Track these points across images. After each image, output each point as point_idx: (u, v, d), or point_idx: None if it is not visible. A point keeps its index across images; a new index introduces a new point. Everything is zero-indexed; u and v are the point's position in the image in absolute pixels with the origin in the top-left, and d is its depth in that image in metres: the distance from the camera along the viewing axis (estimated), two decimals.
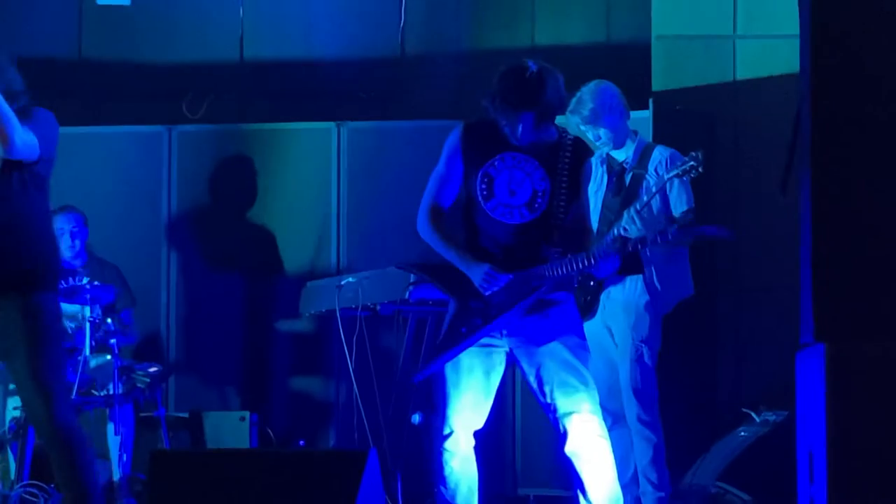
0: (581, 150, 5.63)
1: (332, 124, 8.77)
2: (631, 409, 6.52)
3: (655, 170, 6.49)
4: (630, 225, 6.34)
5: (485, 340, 5.55)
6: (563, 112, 5.75)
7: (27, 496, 6.72)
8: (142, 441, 7.49)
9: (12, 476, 7.07)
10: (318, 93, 8.99)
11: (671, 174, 6.26)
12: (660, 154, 6.58)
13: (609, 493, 5.57)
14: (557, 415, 5.54)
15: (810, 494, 4.02)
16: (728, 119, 7.97)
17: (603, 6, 8.95)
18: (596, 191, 6.67)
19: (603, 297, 6.57)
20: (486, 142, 5.58)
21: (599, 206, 6.63)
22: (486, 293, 5.48)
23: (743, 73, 7.93)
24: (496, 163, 5.57)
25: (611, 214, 6.52)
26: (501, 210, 5.55)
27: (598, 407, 5.56)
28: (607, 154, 6.71)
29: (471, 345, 5.54)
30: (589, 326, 6.66)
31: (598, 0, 8.95)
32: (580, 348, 5.57)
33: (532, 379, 5.58)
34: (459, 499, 5.66)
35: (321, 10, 9.10)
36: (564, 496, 7.32)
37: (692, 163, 6.15)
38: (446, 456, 5.61)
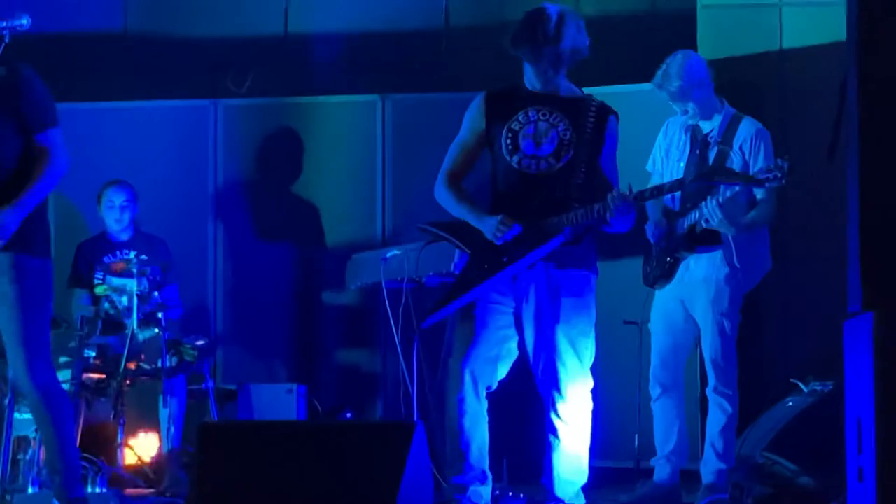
0: (604, 112, 5.70)
1: (376, 97, 8.77)
2: (710, 380, 6.50)
3: (740, 147, 6.37)
4: (713, 216, 6.22)
5: (495, 298, 5.67)
6: (578, 57, 5.64)
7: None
8: (189, 414, 7.53)
9: None
10: (362, 65, 8.98)
11: (750, 183, 5.89)
12: (746, 130, 6.44)
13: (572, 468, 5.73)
14: (541, 390, 5.71)
15: (858, 464, 4.00)
16: (774, 88, 7.90)
17: None
18: (678, 159, 6.58)
19: (681, 268, 6.50)
20: (510, 100, 5.72)
21: (681, 174, 6.48)
22: (499, 242, 5.56)
23: (789, 42, 7.86)
24: (520, 117, 5.70)
25: (690, 188, 6.27)
26: (526, 162, 5.65)
27: (583, 386, 5.67)
28: (693, 123, 6.59)
29: (481, 291, 5.65)
30: (661, 295, 6.61)
31: None
32: (582, 335, 5.68)
33: (529, 350, 5.71)
34: (471, 458, 5.75)
35: None
36: (618, 467, 7.32)
37: (777, 173, 5.61)
38: (459, 412, 5.74)
